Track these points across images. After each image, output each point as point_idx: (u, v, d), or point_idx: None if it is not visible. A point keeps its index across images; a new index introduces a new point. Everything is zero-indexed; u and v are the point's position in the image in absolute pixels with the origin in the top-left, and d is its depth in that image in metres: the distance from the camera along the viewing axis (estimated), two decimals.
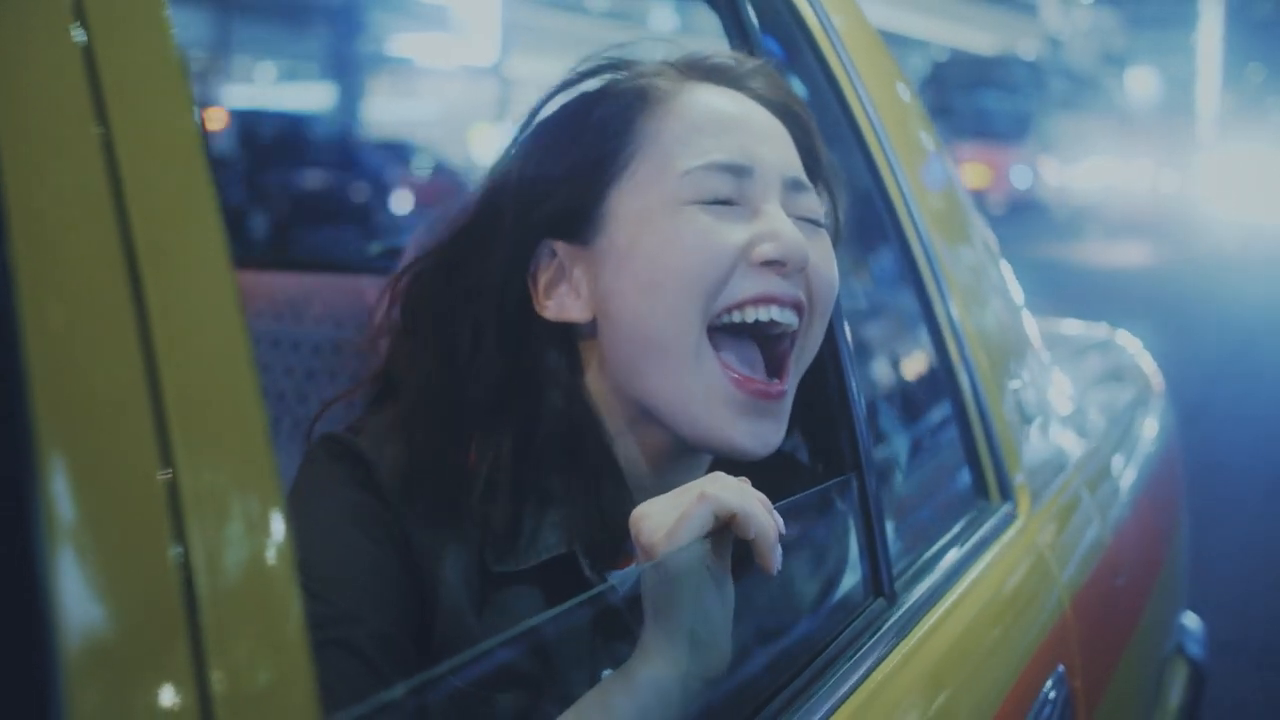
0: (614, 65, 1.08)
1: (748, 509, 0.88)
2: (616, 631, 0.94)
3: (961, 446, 1.53)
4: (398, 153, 15.19)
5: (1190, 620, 2.62)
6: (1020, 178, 23.26)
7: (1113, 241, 19.56)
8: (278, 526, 0.54)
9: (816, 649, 1.08)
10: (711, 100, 1.05)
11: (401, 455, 1.00)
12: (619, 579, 1.01)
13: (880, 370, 1.62)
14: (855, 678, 1.06)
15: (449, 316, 1.03)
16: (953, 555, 1.37)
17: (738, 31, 1.27)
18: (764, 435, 1.00)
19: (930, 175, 1.67)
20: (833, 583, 1.18)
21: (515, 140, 1.07)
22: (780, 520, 0.92)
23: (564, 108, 1.06)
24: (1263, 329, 11.10)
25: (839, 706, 1.01)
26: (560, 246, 1.03)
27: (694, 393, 0.98)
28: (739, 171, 1.01)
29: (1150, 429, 2.55)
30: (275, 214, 12.46)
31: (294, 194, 13.05)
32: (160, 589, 0.49)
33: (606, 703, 0.88)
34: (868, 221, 1.52)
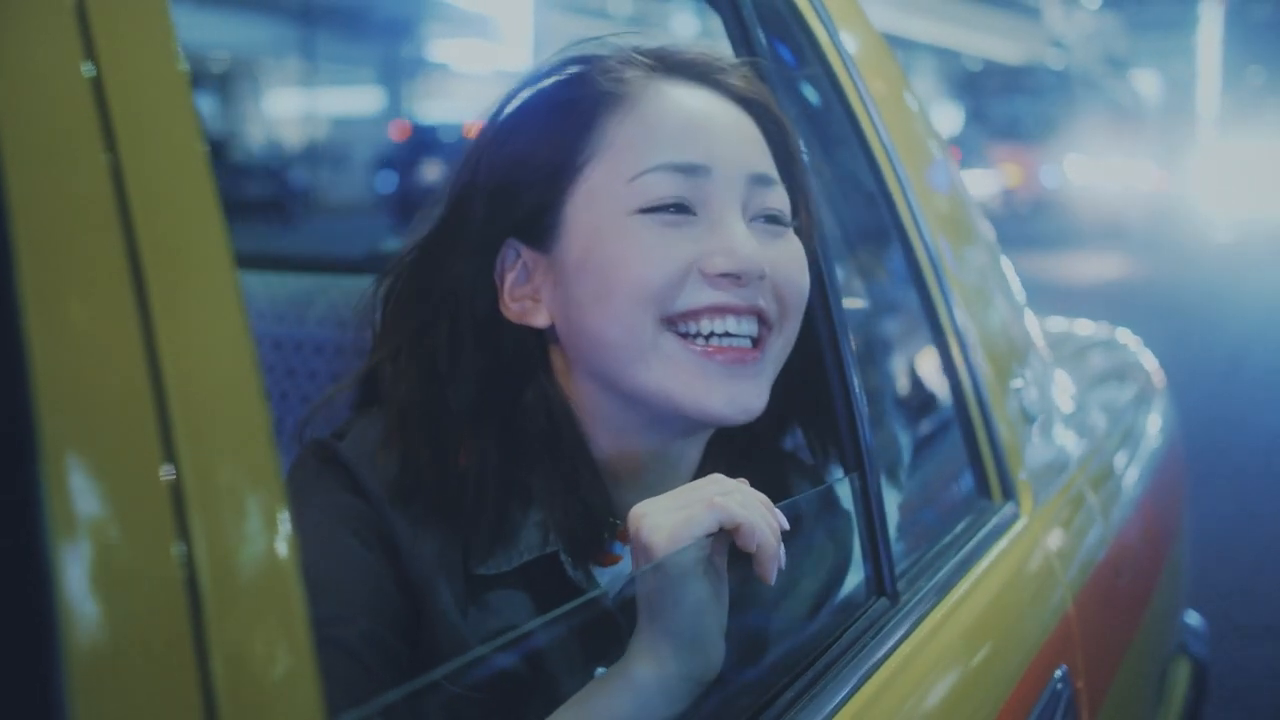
0: (582, 60, 1.07)
1: (753, 521, 0.88)
2: (609, 632, 0.94)
3: (964, 446, 1.53)
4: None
5: (1193, 619, 2.62)
6: (1049, 177, 24.94)
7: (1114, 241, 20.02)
8: (282, 526, 0.54)
9: (819, 649, 1.08)
10: (673, 99, 1.03)
11: (386, 459, 1.00)
12: (609, 580, 1.02)
13: (883, 370, 1.62)
14: (858, 678, 1.06)
15: (427, 320, 1.03)
16: (955, 555, 1.37)
17: (740, 33, 1.27)
18: (742, 400, 0.99)
19: (933, 175, 1.67)
20: (835, 582, 1.18)
21: (480, 135, 1.07)
22: (782, 518, 0.92)
23: (530, 105, 1.06)
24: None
25: (842, 706, 1.01)
26: (523, 249, 1.03)
27: (664, 376, 0.98)
28: (693, 171, 1.00)
29: (1152, 427, 2.54)
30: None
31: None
32: (164, 588, 0.49)
33: (597, 703, 0.88)
34: (870, 222, 1.52)
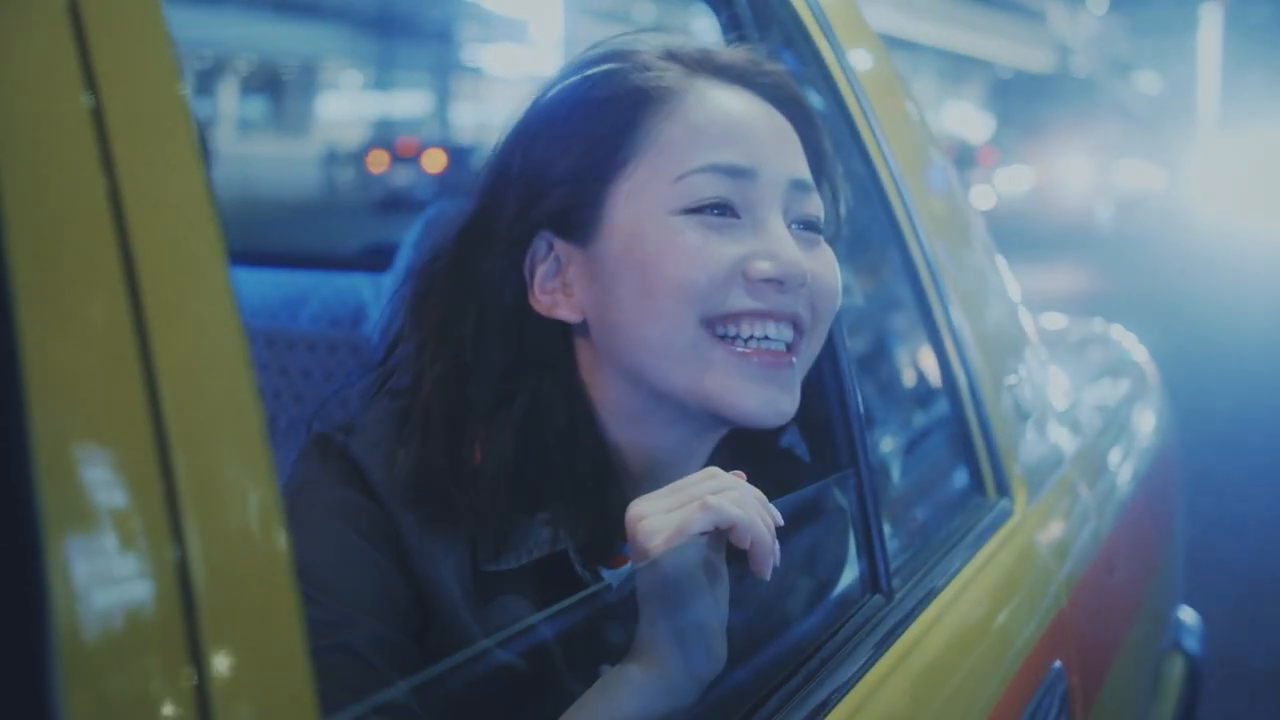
0: (619, 55, 1.06)
1: (747, 519, 0.88)
2: (612, 631, 0.94)
3: (958, 442, 1.53)
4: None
5: (1187, 615, 2.62)
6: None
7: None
8: (276, 525, 0.54)
9: (814, 646, 1.08)
10: (717, 100, 1.03)
11: (397, 454, 0.99)
12: (613, 578, 1.01)
13: (878, 367, 1.62)
14: (852, 674, 1.06)
15: (454, 314, 1.02)
16: (950, 551, 1.37)
17: (736, 35, 1.27)
18: (778, 404, 1.00)
19: (929, 175, 1.68)
20: (830, 579, 1.18)
21: (516, 128, 1.06)
22: (777, 514, 0.92)
23: (568, 99, 1.04)
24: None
25: (836, 703, 1.01)
26: (557, 243, 1.02)
27: (701, 376, 0.98)
28: (739, 174, 0.99)
29: (1146, 423, 2.55)
30: None
31: None
32: (157, 589, 0.49)
33: (600, 705, 0.88)
34: (865, 220, 1.52)
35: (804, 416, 1.19)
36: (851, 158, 1.47)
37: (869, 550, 1.19)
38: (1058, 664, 1.44)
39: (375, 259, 2.01)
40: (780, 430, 1.18)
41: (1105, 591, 1.80)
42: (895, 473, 1.44)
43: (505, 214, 1.02)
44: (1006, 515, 1.53)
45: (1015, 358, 1.81)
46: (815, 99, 1.44)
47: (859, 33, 1.61)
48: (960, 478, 1.54)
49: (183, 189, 0.56)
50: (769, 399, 0.99)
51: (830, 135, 1.13)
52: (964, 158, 25.30)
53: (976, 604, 1.34)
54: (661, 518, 0.89)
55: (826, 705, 1.00)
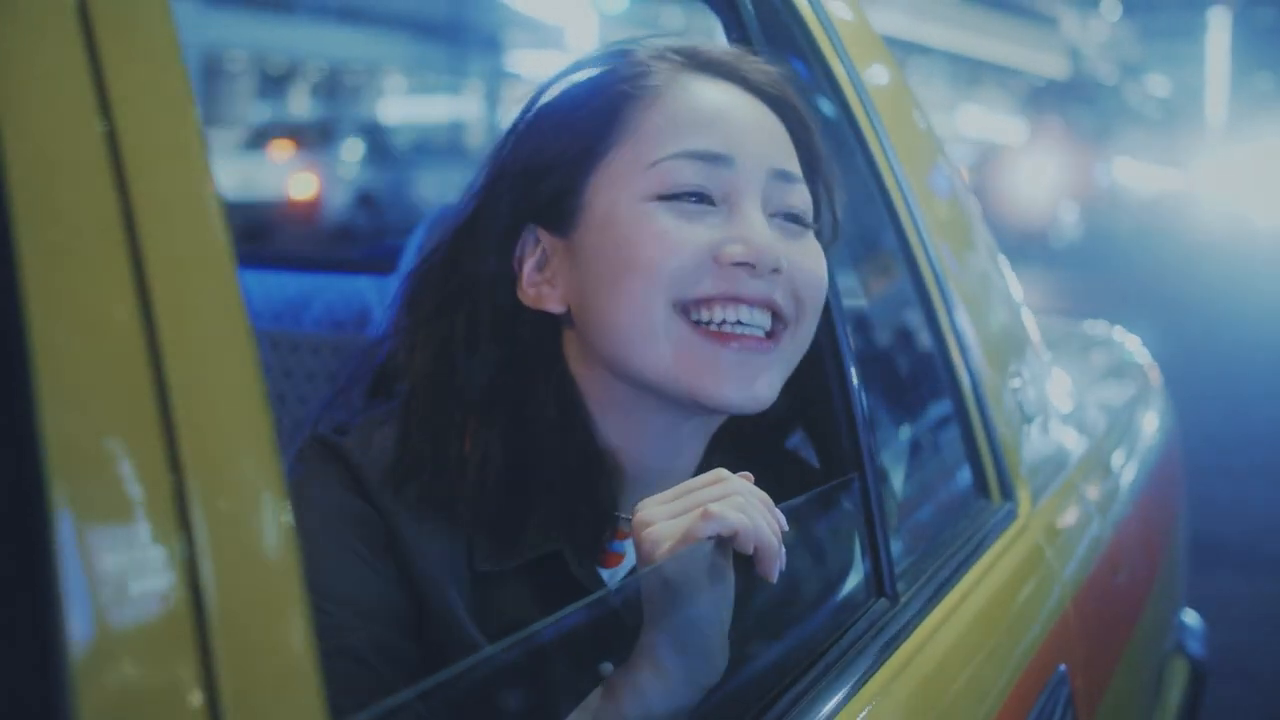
0: (615, 55, 1.08)
1: (752, 525, 0.88)
2: (614, 634, 0.94)
3: (963, 446, 1.53)
4: None
5: (1190, 618, 2.62)
6: (1101, 176, 30.59)
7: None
8: (285, 527, 0.54)
9: (819, 650, 1.08)
10: (698, 90, 1.03)
11: (393, 452, 1.00)
12: (609, 576, 1.01)
13: (882, 370, 1.62)
14: (857, 678, 1.06)
15: (446, 307, 1.03)
16: (954, 555, 1.37)
17: (740, 36, 1.27)
18: (753, 389, 0.99)
19: (933, 177, 1.68)
20: (835, 583, 1.18)
21: (513, 128, 1.07)
22: (782, 518, 0.92)
23: (559, 97, 1.06)
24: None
25: (841, 707, 1.01)
26: (543, 234, 1.03)
27: (674, 361, 0.98)
28: (714, 159, 1.00)
29: (1150, 425, 2.55)
30: None
31: None
32: (167, 591, 0.49)
33: (604, 707, 0.88)
34: (869, 223, 1.52)
35: (809, 419, 1.19)
36: (855, 160, 1.47)
37: (874, 553, 1.19)
38: (1062, 667, 1.44)
39: (379, 261, 2.02)
40: (785, 433, 1.18)
41: (1109, 594, 1.80)
42: (900, 476, 1.44)
43: (498, 208, 1.04)
44: (1011, 518, 1.53)
45: (1019, 360, 1.81)
46: (820, 103, 1.44)
47: (864, 37, 1.61)
48: (965, 480, 1.54)
49: (192, 194, 0.56)
50: (743, 383, 0.98)
51: (830, 137, 1.13)
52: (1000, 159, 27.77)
53: (981, 607, 1.34)
54: (666, 525, 0.89)
55: (831, 709, 1.00)
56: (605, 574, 1.03)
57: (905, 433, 1.54)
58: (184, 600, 0.49)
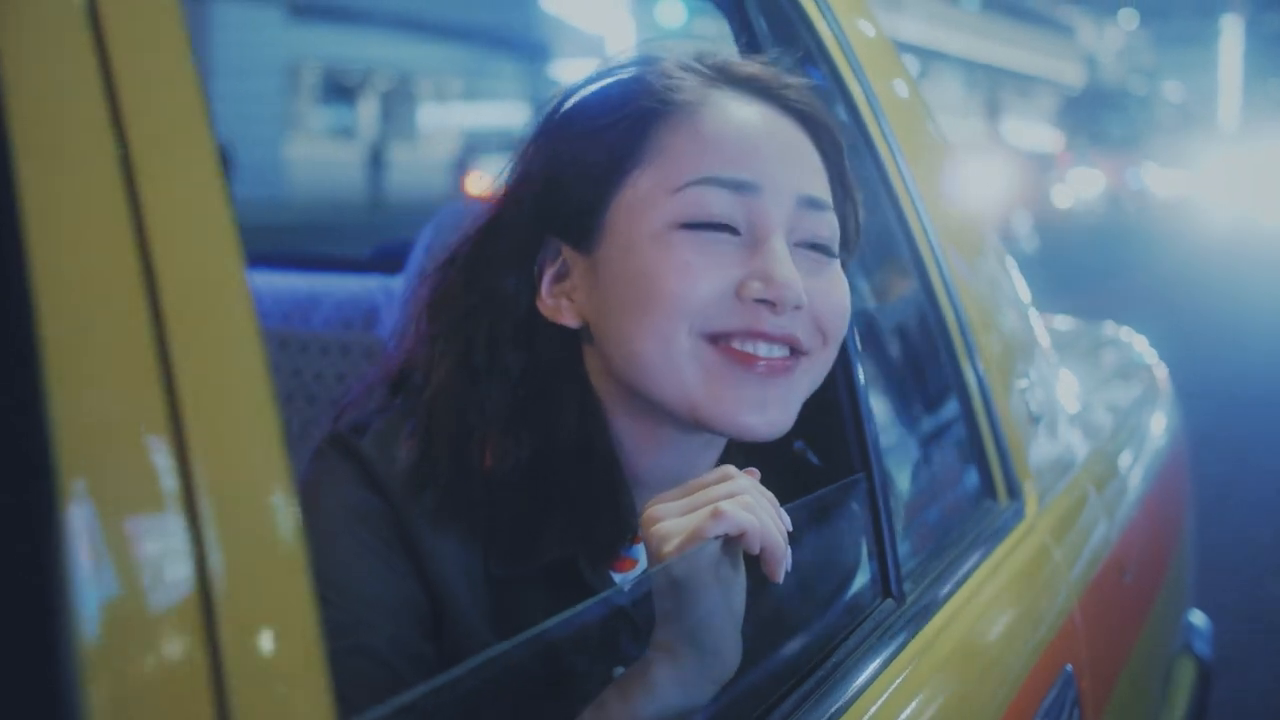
0: (641, 63, 1.05)
1: (759, 525, 0.88)
2: (627, 634, 0.94)
3: (969, 446, 1.54)
4: None
5: (1197, 618, 2.61)
6: (1132, 179, 34.18)
7: None
8: (293, 527, 0.55)
9: (825, 650, 1.08)
10: (728, 111, 1.00)
11: (411, 457, 1.00)
12: (622, 582, 1.02)
13: (889, 371, 1.62)
14: (864, 679, 1.06)
15: (467, 313, 1.03)
16: (961, 556, 1.37)
17: (745, 36, 1.27)
18: (774, 415, 0.98)
19: (940, 179, 1.68)
20: (842, 583, 1.18)
21: (537, 132, 1.06)
22: (787, 519, 0.93)
23: (586, 105, 1.04)
24: None
25: (848, 707, 1.02)
26: (564, 248, 1.02)
27: (692, 386, 0.97)
28: (740, 187, 0.97)
29: (1157, 426, 2.54)
30: None
31: None
32: (176, 589, 0.49)
33: (619, 704, 0.88)
34: (877, 226, 1.52)
35: (815, 421, 1.19)
36: (865, 166, 1.48)
37: (880, 554, 1.19)
38: (1068, 668, 1.44)
39: (387, 261, 2.02)
40: (793, 433, 1.18)
41: (1117, 595, 1.80)
42: (907, 476, 1.44)
43: (521, 216, 1.02)
44: (1018, 519, 1.53)
45: (1026, 361, 1.81)
46: (832, 109, 1.44)
47: (873, 40, 1.62)
48: (971, 481, 1.55)
49: (200, 193, 0.56)
50: (765, 410, 0.98)
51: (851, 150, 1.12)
52: (1043, 163, 30.71)
53: (987, 608, 1.34)
54: (675, 523, 0.89)
55: (838, 709, 1.00)
56: (618, 578, 1.03)
57: (912, 433, 1.54)
58: (193, 600, 0.50)
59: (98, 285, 0.50)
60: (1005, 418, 1.58)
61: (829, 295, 1.01)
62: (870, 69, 1.53)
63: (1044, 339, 2.03)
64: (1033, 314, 2.01)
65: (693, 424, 0.99)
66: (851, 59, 1.49)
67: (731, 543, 0.89)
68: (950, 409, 1.55)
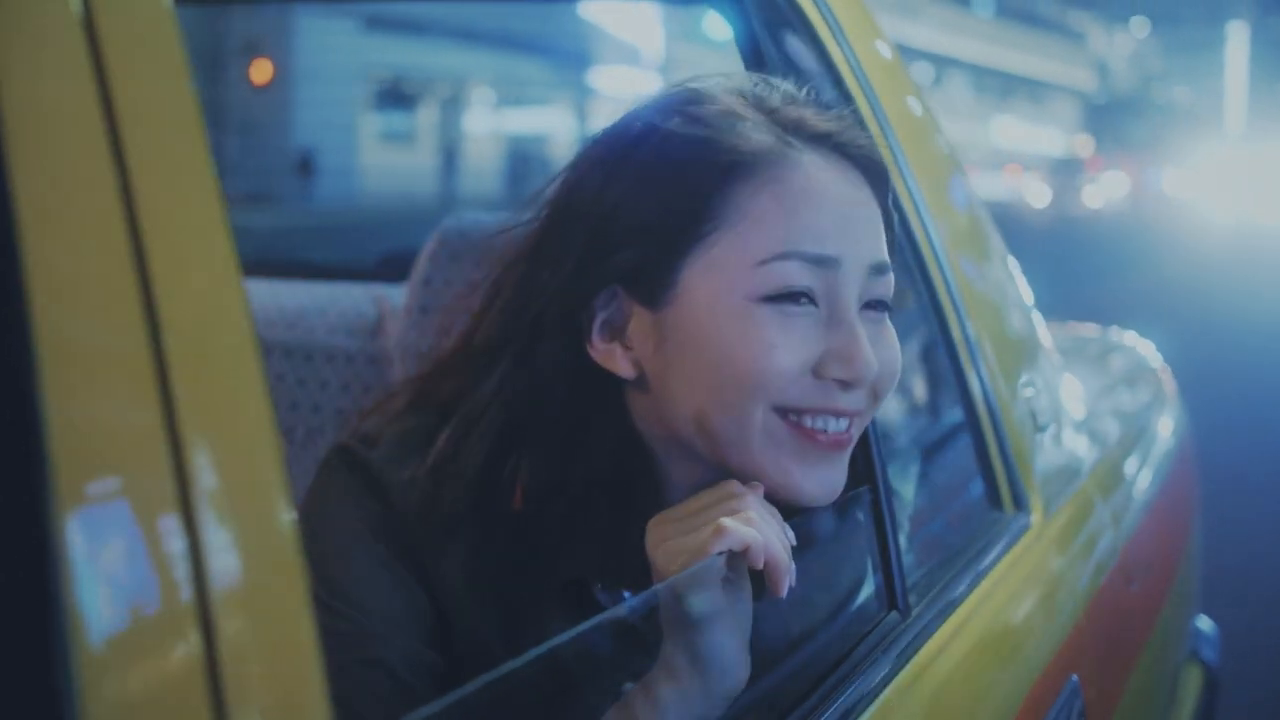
0: (709, 100, 1.00)
1: (763, 539, 0.88)
2: (636, 649, 0.94)
3: (974, 456, 1.53)
4: None
5: (1205, 624, 2.61)
6: (1152, 180, 38.66)
7: None
8: (291, 534, 0.55)
9: (830, 664, 1.08)
10: (809, 177, 0.97)
11: (429, 474, 0.99)
12: (634, 599, 1.01)
13: None
14: (868, 692, 1.06)
15: (510, 344, 1.00)
16: (966, 567, 1.37)
17: (749, 44, 1.27)
18: (832, 484, 0.98)
19: (946, 186, 1.67)
20: (847, 596, 1.18)
21: (593, 156, 1.01)
22: (791, 533, 0.93)
23: (653, 145, 0.98)
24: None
25: None
26: (623, 296, 0.98)
27: (757, 457, 0.96)
28: (822, 263, 0.95)
29: (1164, 432, 2.54)
30: None
31: None
32: (173, 597, 0.49)
33: None
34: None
35: None
36: None
37: (885, 567, 1.19)
38: (1074, 678, 1.44)
39: (391, 269, 2.02)
40: None
41: (1123, 604, 1.79)
42: (911, 487, 1.44)
43: (572, 249, 0.98)
44: (1024, 529, 1.53)
45: (1031, 368, 1.80)
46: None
47: (877, 46, 1.61)
48: (977, 491, 1.54)
49: (196, 200, 0.56)
50: (825, 481, 0.97)
51: None
52: (1073, 167, 35.97)
53: (993, 620, 1.34)
54: (679, 541, 0.89)
55: None
56: (628, 595, 1.03)
57: (917, 443, 1.54)
58: (189, 607, 0.50)
59: (94, 293, 0.50)
60: (1011, 427, 1.57)
61: (886, 357, 0.99)
62: (872, 73, 1.52)
63: (1049, 345, 2.03)
64: (1038, 319, 2.00)
65: (750, 480, 0.98)
66: (854, 66, 1.48)
67: (735, 558, 0.89)
68: (955, 418, 1.55)
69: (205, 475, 0.51)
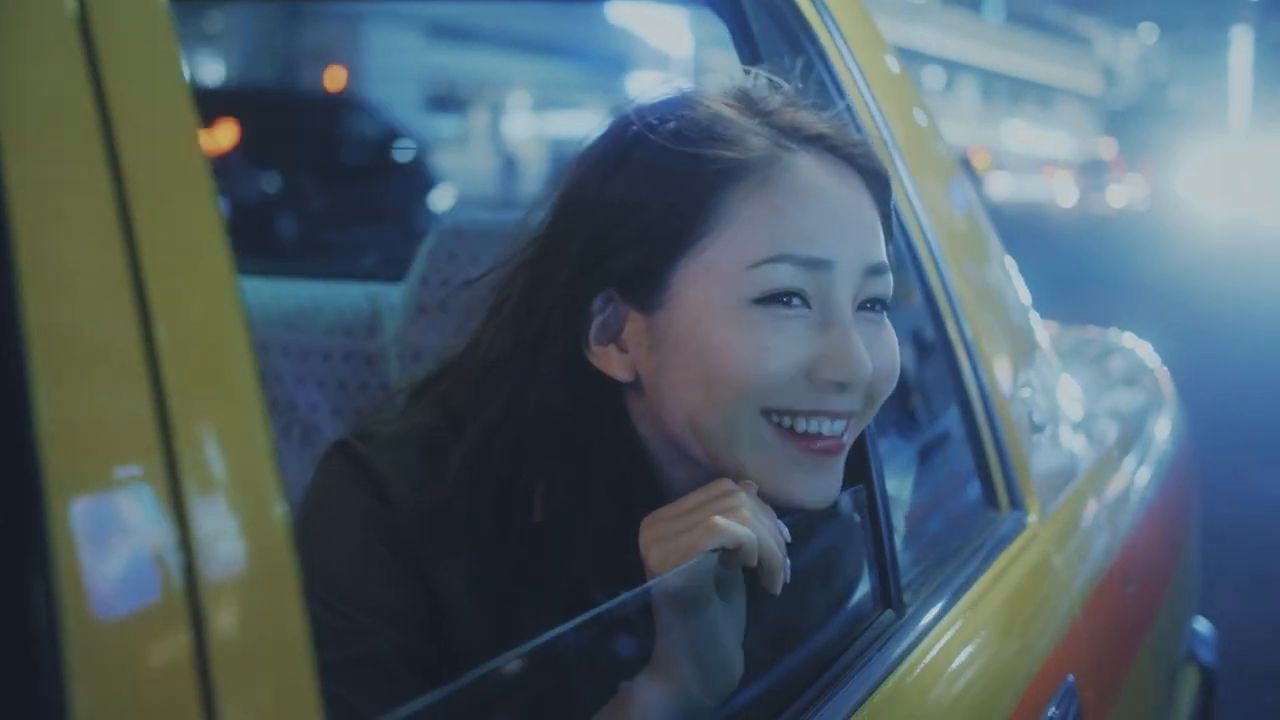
0: (704, 104, 1.00)
1: (757, 537, 0.88)
2: (628, 647, 0.94)
3: (971, 456, 1.53)
4: None
5: (1201, 626, 2.61)
6: (1167, 181, 40.32)
7: None
8: (283, 529, 0.55)
9: (825, 661, 1.08)
10: (803, 179, 0.97)
11: (428, 474, 0.99)
12: (629, 595, 1.01)
13: None
14: (864, 691, 1.06)
15: (515, 348, 1.00)
16: (962, 566, 1.37)
17: (746, 45, 1.27)
18: (827, 489, 0.98)
19: (943, 188, 1.67)
20: (842, 594, 1.18)
21: (592, 159, 1.01)
22: (785, 530, 0.93)
23: (650, 151, 0.98)
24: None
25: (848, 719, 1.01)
26: (619, 301, 0.99)
27: (752, 461, 0.96)
28: (814, 265, 0.95)
29: (1161, 433, 2.54)
30: None
31: None
32: (163, 591, 0.50)
33: (618, 719, 0.88)
34: None
35: None
36: None
37: (880, 565, 1.19)
38: (1071, 679, 1.44)
39: (388, 269, 2.02)
40: None
41: (1120, 604, 1.79)
42: (907, 486, 1.44)
43: (571, 253, 0.99)
44: (1020, 528, 1.53)
45: (1028, 368, 1.80)
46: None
47: (876, 49, 1.61)
48: (973, 491, 1.54)
49: (190, 198, 0.56)
50: (819, 486, 0.97)
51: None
52: (1099, 168, 39.25)
53: (988, 619, 1.34)
54: (672, 539, 0.89)
55: None
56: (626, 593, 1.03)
57: (913, 442, 1.54)
58: (180, 605, 0.50)
59: (87, 288, 0.51)
60: (1007, 427, 1.58)
61: (884, 361, 0.99)
62: (872, 75, 1.52)
63: (1047, 345, 2.03)
64: (1035, 319, 2.00)
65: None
66: (852, 66, 1.48)
67: (729, 555, 0.89)
68: (952, 418, 1.55)
69: (197, 469, 0.52)
